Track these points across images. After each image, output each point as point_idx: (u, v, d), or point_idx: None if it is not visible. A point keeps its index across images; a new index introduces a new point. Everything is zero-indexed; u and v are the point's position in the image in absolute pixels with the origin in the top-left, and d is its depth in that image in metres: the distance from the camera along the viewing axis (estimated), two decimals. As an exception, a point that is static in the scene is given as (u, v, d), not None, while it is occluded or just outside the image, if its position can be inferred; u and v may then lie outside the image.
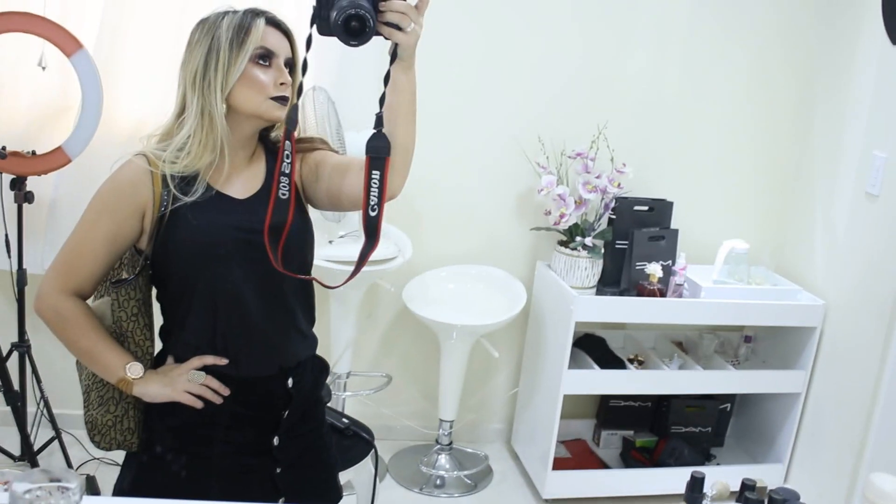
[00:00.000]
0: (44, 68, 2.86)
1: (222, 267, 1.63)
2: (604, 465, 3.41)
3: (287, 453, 1.77)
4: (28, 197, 2.81)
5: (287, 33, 1.64)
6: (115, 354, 1.66)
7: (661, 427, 3.44)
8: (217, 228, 1.62)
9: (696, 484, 1.48)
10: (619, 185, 3.15)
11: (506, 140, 3.28)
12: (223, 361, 1.67)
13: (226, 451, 1.71)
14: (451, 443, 3.38)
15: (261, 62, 1.59)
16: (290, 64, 1.64)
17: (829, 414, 3.17)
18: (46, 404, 2.95)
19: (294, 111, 1.54)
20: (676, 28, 3.32)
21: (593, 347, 3.35)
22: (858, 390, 2.98)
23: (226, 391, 1.67)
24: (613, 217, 3.21)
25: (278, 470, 1.76)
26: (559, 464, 3.23)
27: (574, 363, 3.14)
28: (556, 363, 3.11)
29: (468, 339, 3.21)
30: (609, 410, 3.49)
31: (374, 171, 1.48)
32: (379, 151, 1.47)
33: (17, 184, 2.79)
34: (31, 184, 2.83)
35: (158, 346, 1.76)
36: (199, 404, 1.66)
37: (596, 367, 3.20)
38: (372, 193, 1.48)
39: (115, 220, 1.62)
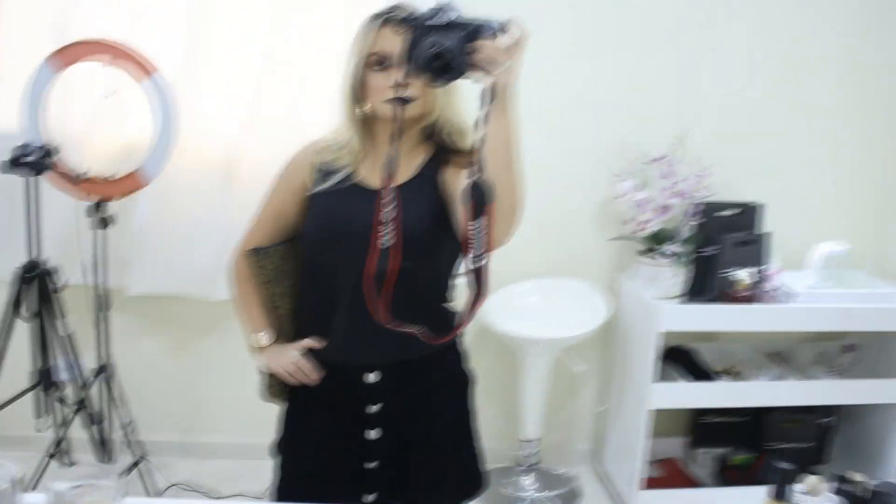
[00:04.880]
0: (107, 98, 2.97)
1: (323, 250, 1.77)
2: (698, 484, 3.31)
3: (383, 447, 1.84)
4: (106, 221, 2.89)
5: None
6: (256, 318, 1.89)
7: (757, 443, 3.32)
8: (328, 216, 1.75)
9: (784, 478, 1.42)
10: (702, 188, 3.08)
11: (584, 147, 3.27)
12: (317, 345, 1.81)
13: (322, 434, 1.86)
14: (534, 463, 3.34)
15: (377, 67, 1.66)
16: None
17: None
18: (132, 427, 3.02)
19: (393, 161, 1.57)
20: (761, 21, 3.25)
21: (682, 361, 3.28)
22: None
23: (316, 374, 1.82)
24: (698, 223, 3.13)
25: (373, 465, 1.84)
26: (651, 483, 3.16)
27: (663, 375, 3.07)
28: (643, 376, 3.06)
29: (549, 353, 3.18)
30: (702, 427, 3.39)
31: (474, 222, 1.42)
32: (478, 198, 1.41)
33: (96, 209, 2.88)
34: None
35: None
36: (291, 380, 1.84)
37: (684, 378, 3.12)
38: (475, 243, 1.43)
39: (279, 197, 1.86)
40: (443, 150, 1.79)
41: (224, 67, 3.09)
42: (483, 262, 1.44)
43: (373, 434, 1.83)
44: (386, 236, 1.59)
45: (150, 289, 3.24)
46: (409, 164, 1.76)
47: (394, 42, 1.62)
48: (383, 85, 1.65)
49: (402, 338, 1.66)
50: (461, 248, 1.68)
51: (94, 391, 2.96)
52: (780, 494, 1.42)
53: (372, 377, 1.80)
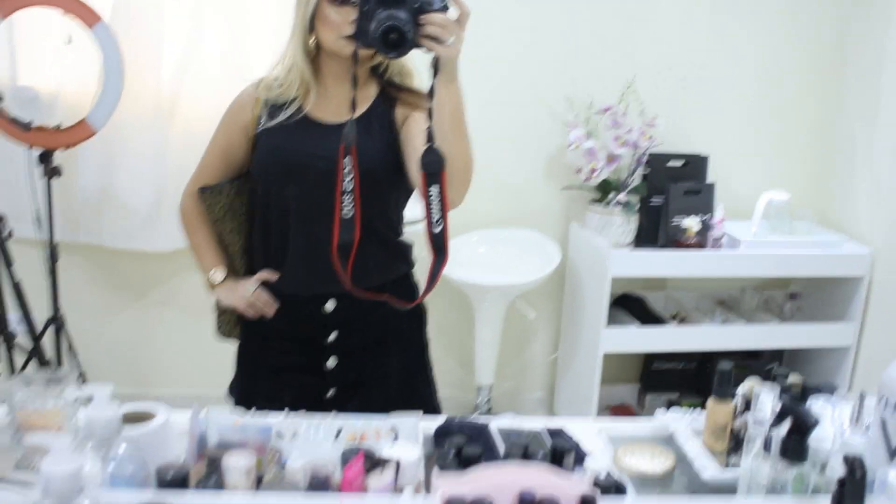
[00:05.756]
0: (69, 43, 2.94)
1: (275, 184, 1.78)
2: (648, 429, 3.39)
3: (340, 376, 1.87)
4: (56, 171, 2.87)
5: None
6: (210, 257, 1.90)
7: (706, 389, 3.40)
8: (280, 150, 1.76)
9: (723, 378, 1.47)
10: (650, 137, 3.14)
11: (532, 98, 3.30)
12: (273, 277, 1.83)
13: (278, 366, 1.88)
14: (489, 409, 3.39)
15: (336, 1, 1.66)
16: None
17: (883, 367, 3.11)
18: (83, 378, 3.01)
19: (351, 127, 1.56)
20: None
21: (633, 307, 3.35)
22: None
23: (274, 305, 1.84)
24: (646, 173, 3.20)
25: (330, 393, 1.87)
26: (602, 428, 3.22)
27: (613, 322, 3.14)
28: (595, 322, 3.12)
29: (502, 300, 3.22)
30: (652, 374, 3.48)
31: (430, 187, 1.50)
32: (432, 166, 1.49)
33: (45, 158, 2.86)
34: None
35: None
36: (249, 312, 1.84)
37: (635, 323, 3.19)
38: (433, 209, 1.50)
39: (225, 136, 1.86)
40: (390, 87, 1.82)
41: (158, 18, 3.06)
42: (442, 227, 1.51)
43: (330, 363, 1.86)
44: (350, 207, 1.60)
45: (96, 240, 3.23)
46: (361, 101, 1.78)
47: None
48: (341, 20, 1.66)
49: (356, 267, 1.67)
50: (411, 185, 1.76)
51: (46, 343, 2.95)
52: (721, 394, 1.48)
53: (329, 305, 1.83)
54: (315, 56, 1.77)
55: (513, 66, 3.29)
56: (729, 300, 3.51)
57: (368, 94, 1.80)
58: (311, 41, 1.75)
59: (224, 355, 2.03)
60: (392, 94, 1.81)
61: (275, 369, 1.90)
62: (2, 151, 2.96)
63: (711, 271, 3.19)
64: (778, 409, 1.21)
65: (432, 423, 1.52)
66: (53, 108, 3.02)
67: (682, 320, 3.32)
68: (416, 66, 1.80)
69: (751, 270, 3.21)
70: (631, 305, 3.38)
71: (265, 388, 1.91)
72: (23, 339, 2.92)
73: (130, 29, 2.99)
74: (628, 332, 3.17)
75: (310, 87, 1.77)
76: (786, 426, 1.19)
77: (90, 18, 2.78)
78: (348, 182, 1.57)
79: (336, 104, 1.77)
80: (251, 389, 1.95)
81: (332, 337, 1.85)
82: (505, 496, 1.09)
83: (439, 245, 1.53)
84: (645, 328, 3.19)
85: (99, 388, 1.12)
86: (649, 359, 3.48)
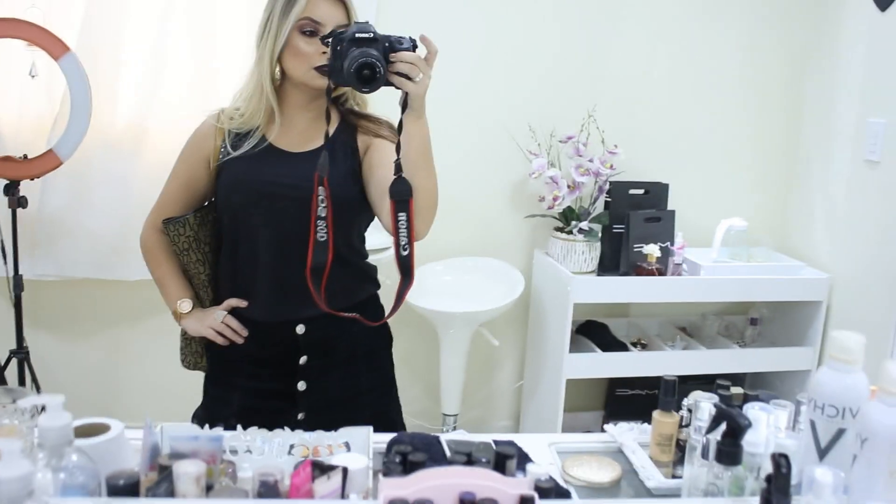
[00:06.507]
0: (33, 77, 2.97)
1: (243, 213, 1.82)
2: (613, 455, 3.43)
3: (310, 399, 1.89)
4: (21, 202, 2.90)
5: (343, 1, 1.76)
6: (176, 288, 1.92)
7: (669, 414, 3.45)
8: (247, 179, 1.80)
9: (667, 390, 1.52)
10: (611, 166, 3.22)
11: (496, 128, 3.38)
12: (243, 304, 1.86)
13: (248, 391, 1.90)
14: (455, 438, 3.41)
15: (307, 32, 1.72)
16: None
17: (842, 391, 3.18)
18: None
19: (325, 157, 1.64)
20: (664, 5, 3.42)
21: (596, 334, 3.40)
22: (871, 364, 2.98)
23: (244, 332, 1.86)
24: (608, 201, 3.26)
25: (300, 416, 1.88)
26: (567, 454, 3.25)
27: (577, 349, 3.18)
28: (558, 348, 3.16)
29: (467, 327, 3.26)
30: (616, 400, 3.52)
31: (399, 214, 1.60)
32: (401, 195, 1.59)
33: (11, 189, 2.89)
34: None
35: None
36: (219, 339, 1.86)
37: (598, 349, 3.24)
38: (401, 234, 1.61)
39: (187, 168, 1.89)
40: (351, 115, 1.89)
41: (125, 47, 3.11)
42: (409, 251, 1.61)
43: (300, 386, 1.89)
44: (324, 231, 1.67)
45: (60, 272, 3.23)
46: (320, 130, 1.82)
47: (328, 10, 1.72)
48: (311, 51, 1.72)
49: (324, 290, 1.73)
50: (373, 210, 1.82)
51: (9, 376, 2.95)
52: (666, 406, 1.52)
53: (299, 329, 1.86)
54: (281, 85, 1.83)
55: (476, 97, 3.37)
56: (690, 326, 3.57)
57: (330, 123, 1.86)
58: (277, 71, 1.80)
59: (192, 385, 2.04)
60: (352, 121, 1.88)
61: (244, 394, 1.92)
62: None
63: (673, 296, 3.25)
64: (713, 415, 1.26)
65: (385, 437, 1.56)
66: (20, 139, 3.05)
67: (645, 346, 3.38)
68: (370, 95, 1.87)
69: (711, 295, 3.27)
70: (594, 332, 3.42)
71: (234, 414, 1.90)
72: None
73: (96, 58, 3.02)
74: (591, 357, 3.22)
75: (273, 116, 1.82)
76: (721, 431, 1.24)
77: (57, 50, 2.82)
78: (322, 209, 1.65)
79: (298, 133, 1.84)
80: (219, 415, 1.95)
81: (303, 360, 1.88)
82: (446, 498, 1.13)
83: (406, 268, 1.62)
84: (607, 354, 3.24)
85: (51, 398, 1.14)
86: (613, 386, 3.52)
